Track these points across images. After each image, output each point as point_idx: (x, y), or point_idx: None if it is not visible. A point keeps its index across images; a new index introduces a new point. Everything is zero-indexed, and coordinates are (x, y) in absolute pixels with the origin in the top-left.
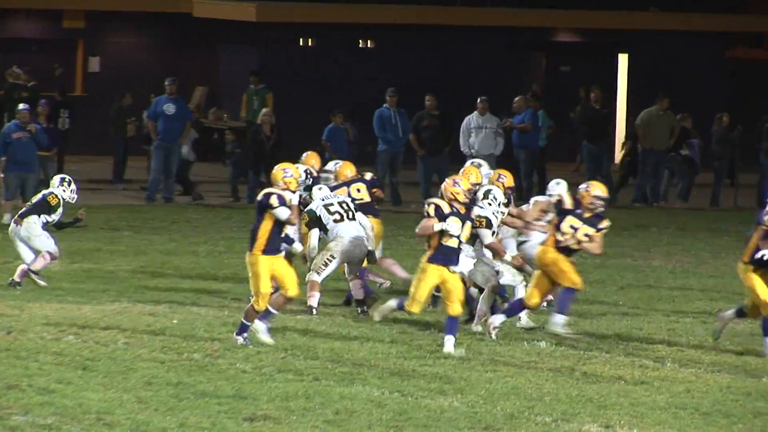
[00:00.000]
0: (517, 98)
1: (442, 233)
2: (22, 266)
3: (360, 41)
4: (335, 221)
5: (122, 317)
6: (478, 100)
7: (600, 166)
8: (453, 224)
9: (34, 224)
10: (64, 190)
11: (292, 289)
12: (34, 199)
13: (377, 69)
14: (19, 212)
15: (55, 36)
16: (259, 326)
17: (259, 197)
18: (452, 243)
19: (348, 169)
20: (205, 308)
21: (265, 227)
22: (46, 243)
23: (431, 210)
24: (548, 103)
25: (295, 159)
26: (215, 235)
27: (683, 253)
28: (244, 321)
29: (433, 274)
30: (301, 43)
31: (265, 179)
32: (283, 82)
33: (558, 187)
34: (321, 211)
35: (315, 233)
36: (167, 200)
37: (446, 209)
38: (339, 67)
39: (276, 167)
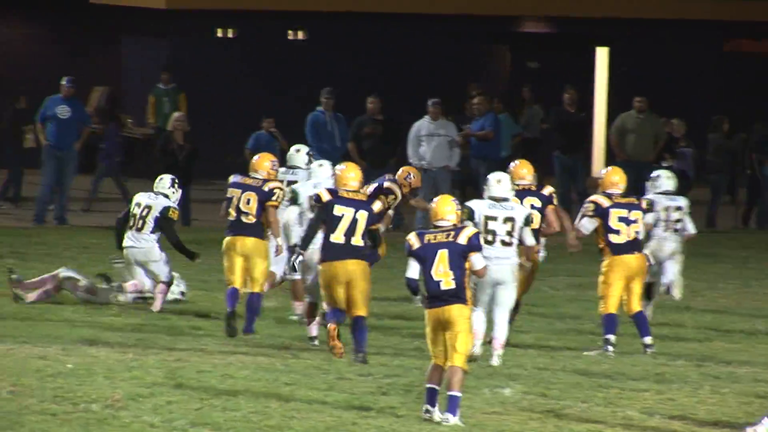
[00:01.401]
0: (476, 100)
1: None
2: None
3: (289, 32)
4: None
5: (6, 361)
6: (430, 103)
7: (575, 180)
8: None
9: (153, 248)
10: (174, 192)
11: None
12: (149, 218)
13: (310, 65)
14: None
15: None
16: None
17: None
18: None
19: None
20: (106, 350)
21: None
22: (165, 269)
23: None
24: (513, 106)
25: (213, 172)
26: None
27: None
28: (455, 393)
29: None
30: (219, 35)
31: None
32: (198, 80)
33: None
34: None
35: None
36: (60, 221)
37: None
38: (264, 63)
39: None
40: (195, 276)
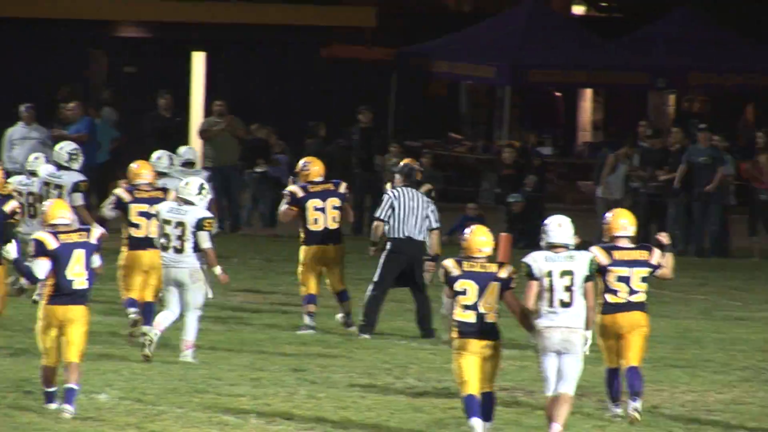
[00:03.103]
0: (71, 104)
1: None
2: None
3: None
4: None
5: None
6: (23, 108)
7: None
8: None
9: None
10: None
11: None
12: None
13: None
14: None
15: None
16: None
17: None
18: None
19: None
20: None
21: None
22: None
23: None
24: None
25: None
26: None
27: (271, 287)
28: (74, 386)
29: None
30: None
31: None
32: None
33: None
34: None
35: None
36: None
37: None
38: None
39: None
40: None
